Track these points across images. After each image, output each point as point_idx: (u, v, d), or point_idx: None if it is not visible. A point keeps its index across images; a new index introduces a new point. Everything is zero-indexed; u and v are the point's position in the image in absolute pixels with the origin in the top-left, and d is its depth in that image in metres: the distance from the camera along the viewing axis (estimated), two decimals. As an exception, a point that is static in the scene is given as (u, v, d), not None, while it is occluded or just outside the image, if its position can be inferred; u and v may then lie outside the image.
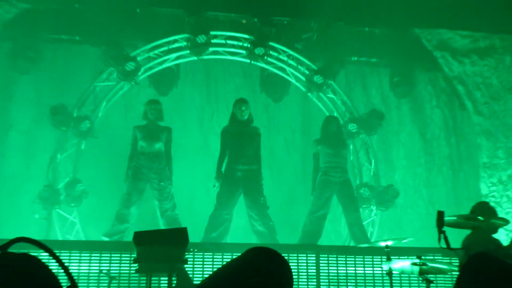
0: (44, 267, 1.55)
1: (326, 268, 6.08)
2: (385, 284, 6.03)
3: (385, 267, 5.02)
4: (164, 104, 7.59)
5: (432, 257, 5.28)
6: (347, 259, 6.18)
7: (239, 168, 6.87)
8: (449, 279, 6.05)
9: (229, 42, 8.14)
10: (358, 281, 6.08)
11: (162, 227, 6.86)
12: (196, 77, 9.13)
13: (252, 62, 8.22)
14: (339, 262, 6.15)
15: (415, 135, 9.31)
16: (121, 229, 6.88)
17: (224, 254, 6.00)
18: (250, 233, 7.00)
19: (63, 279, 1.63)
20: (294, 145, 9.24)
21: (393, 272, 5.02)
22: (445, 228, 3.77)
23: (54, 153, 7.72)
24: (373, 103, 9.16)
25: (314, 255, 6.14)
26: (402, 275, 6.02)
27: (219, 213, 6.81)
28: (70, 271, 1.64)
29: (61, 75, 8.52)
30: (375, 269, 6.14)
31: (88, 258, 5.88)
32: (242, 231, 7.94)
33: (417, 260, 4.64)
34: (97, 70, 8.24)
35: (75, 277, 5.91)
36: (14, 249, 1.61)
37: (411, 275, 6.03)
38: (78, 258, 5.86)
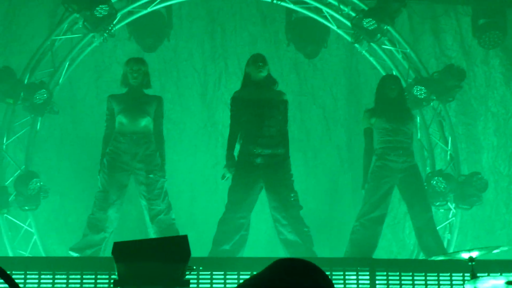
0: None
1: (385, 290, 6.13)
2: (468, 313, 6.07)
3: None
4: (151, 64, 7.58)
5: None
6: (415, 277, 6.21)
7: (259, 153, 6.89)
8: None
9: (241, -27, 8.18)
10: (430, 308, 6.15)
11: (153, 236, 6.88)
12: (195, 25, 9.10)
13: (275, 1, 8.20)
14: (403, 282, 6.18)
15: (510, 101, 9.24)
16: (95, 240, 6.90)
17: (241, 272, 6.08)
18: (277, 243, 7.04)
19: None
20: (336, 119, 9.22)
21: (480, 294, 5.05)
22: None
23: (-2, 136, 7.81)
24: (450, 57, 9.09)
25: (367, 273, 6.19)
26: (493, 299, 6.05)
27: (232, 217, 6.85)
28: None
29: (5, 26, 8.55)
30: (454, 291, 6.19)
31: (51, 281, 5.94)
32: (265, 241, 7.96)
33: (514, 278, 4.68)
34: (55, 17, 8.24)
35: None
36: None
37: (505, 300, 6.06)
38: (37, 281, 5.93)
